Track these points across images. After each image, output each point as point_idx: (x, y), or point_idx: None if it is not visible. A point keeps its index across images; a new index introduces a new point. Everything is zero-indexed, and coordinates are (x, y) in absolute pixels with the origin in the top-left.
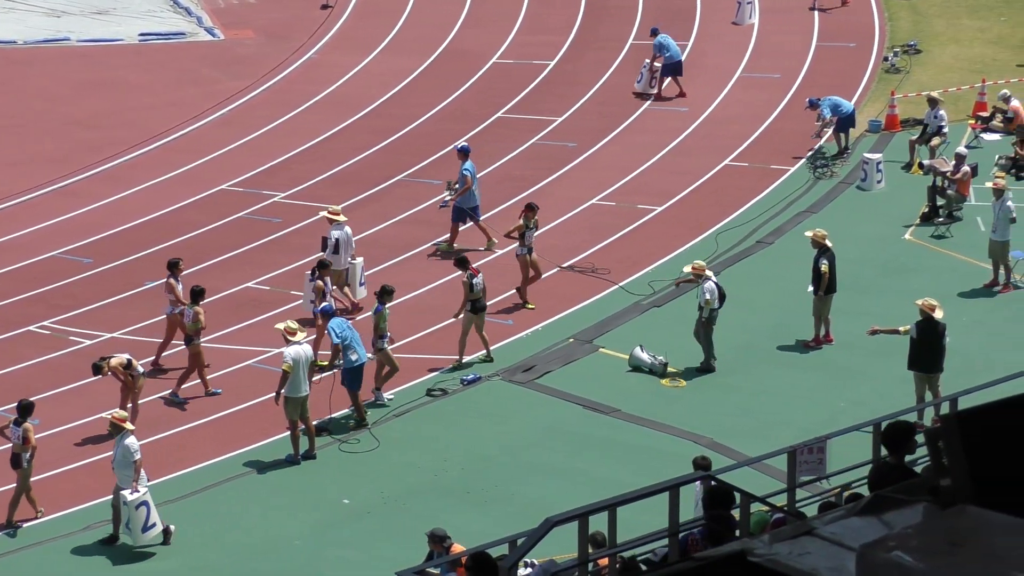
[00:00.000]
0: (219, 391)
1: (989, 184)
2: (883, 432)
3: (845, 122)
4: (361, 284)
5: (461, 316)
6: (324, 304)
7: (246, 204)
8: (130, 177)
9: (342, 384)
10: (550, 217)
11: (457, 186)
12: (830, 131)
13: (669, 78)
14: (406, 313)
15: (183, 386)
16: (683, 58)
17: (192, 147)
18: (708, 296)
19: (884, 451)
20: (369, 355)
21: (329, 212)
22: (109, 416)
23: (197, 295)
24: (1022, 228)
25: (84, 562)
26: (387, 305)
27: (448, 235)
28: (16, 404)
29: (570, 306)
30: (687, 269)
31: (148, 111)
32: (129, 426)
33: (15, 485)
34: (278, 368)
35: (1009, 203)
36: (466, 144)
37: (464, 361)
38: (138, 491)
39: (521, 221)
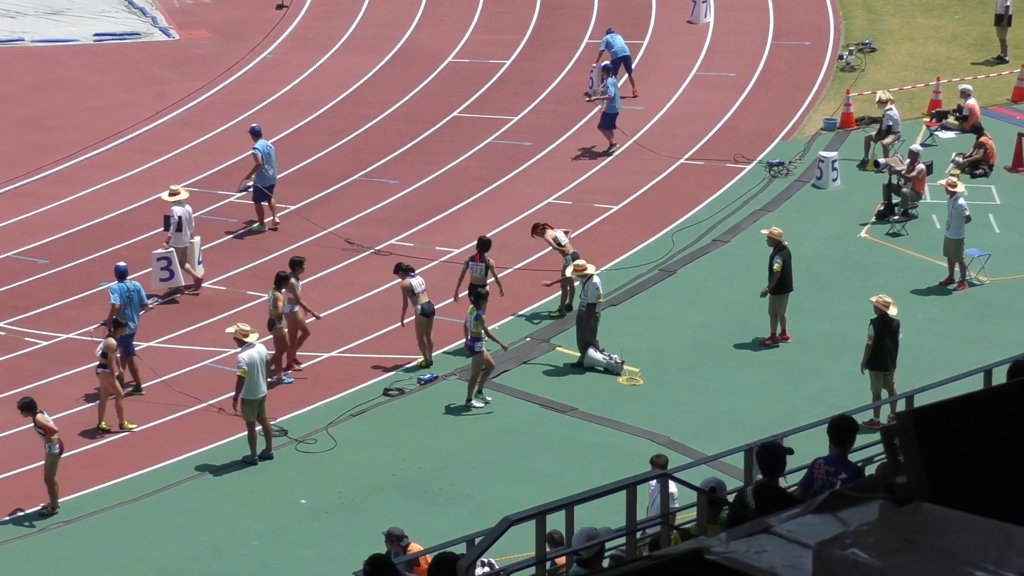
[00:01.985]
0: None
1: (942, 181)
2: (829, 426)
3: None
4: (200, 262)
5: (409, 321)
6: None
7: (202, 204)
8: (85, 178)
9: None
10: (506, 216)
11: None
12: (601, 99)
13: (626, 76)
14: (359, 313)
15: (286, 369)
16: (631, 55)
17: (147, 147)
18: (601, 291)
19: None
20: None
21: (170, 191)
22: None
23: (281, 280)
24: (978, 226)
25: (42, 562)
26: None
27: (257, 219)
28: (17, 404)
29: (526, 305)
30: (570, 272)
31: (102, 111)
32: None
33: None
34: (235, 368)
35: (961, 201)
36: (256, 125)
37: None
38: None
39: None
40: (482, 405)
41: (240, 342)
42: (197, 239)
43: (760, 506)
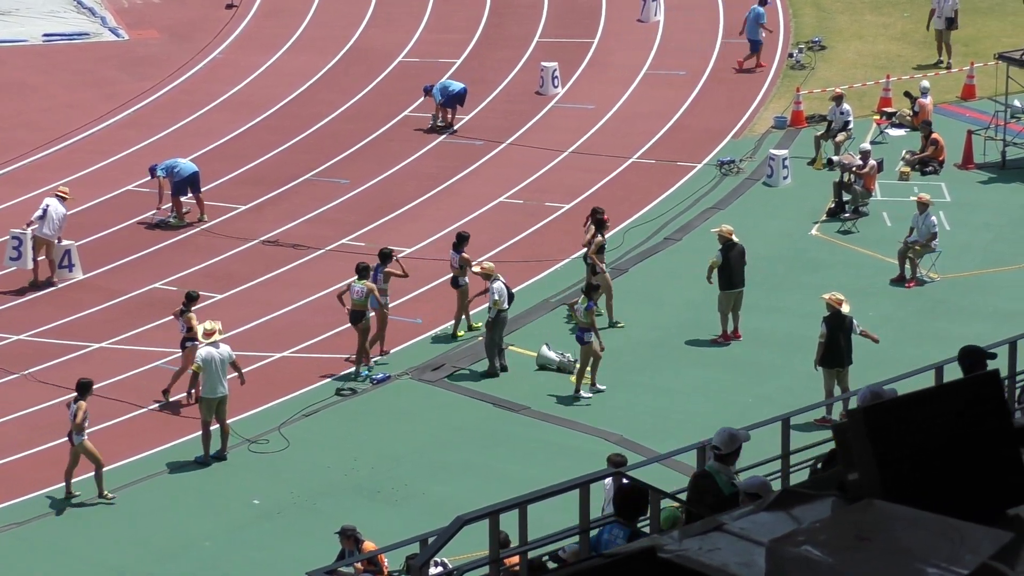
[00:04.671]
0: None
1: (917, 196)
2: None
3: (454, 99)
4: (69, 267)
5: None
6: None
7: (152, 205)
8: (34, 179)
9: None
10: (457, 215)
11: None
12: (450, 115)
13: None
14: (311, 312)
15: (372, 358)
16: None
17: (97, 148)
18: (496, 296)
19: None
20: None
21: (59, 191)
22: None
23: (362, 271)
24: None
25: None
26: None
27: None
28: (76, 383)
29: (478, 304)
30: (476, 269)
31: (50, 112)
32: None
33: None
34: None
35: (932, 218)
36: (153, 164)
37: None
38: None
39: (598, 237)
40: (590, 395)
41: (202, 341)
42: (67, 243)
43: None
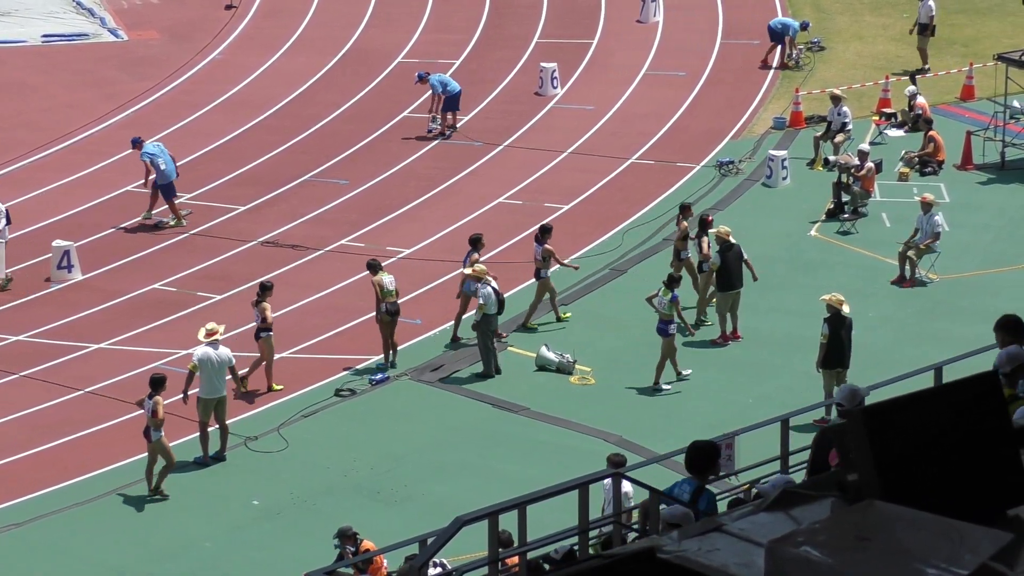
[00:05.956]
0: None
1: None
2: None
3: (451, 101)
4: (63, 267)
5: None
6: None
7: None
8: (34, 179)
9: None
10: (457, 216)
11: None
12: (451, 118)
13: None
14: (311, 313)
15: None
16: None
17: (96, 149)
18: (482, 300)
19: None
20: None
21: None
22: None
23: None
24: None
25: None
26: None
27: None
28: (149, 379)
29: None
30: (468, 271)
31: (50, 112)
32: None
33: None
34: (185, 369)
35: (937, 217)
36: (136, 136)
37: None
38: None
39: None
40: (669, 387)
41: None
42: (67, 244)
43: None
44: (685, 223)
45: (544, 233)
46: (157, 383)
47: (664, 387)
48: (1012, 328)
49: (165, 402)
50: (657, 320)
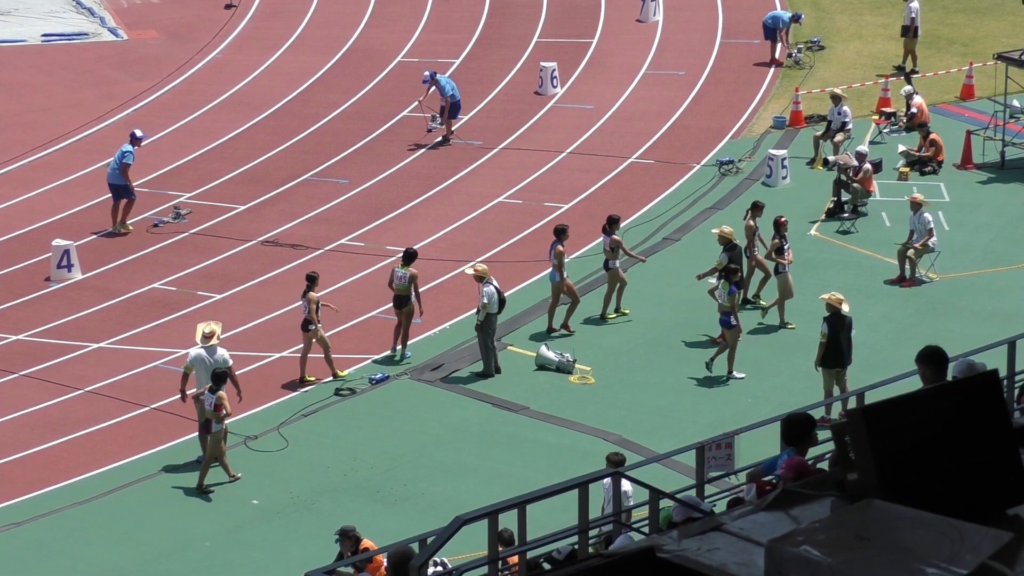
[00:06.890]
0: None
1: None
2: (783, 424)
3: (453, 108)
4: (63, 267)
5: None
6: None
7: (151, 205)
8: (34, 179)
9: None
10: (457, 215)
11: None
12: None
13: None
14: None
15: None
16: (588, 56)
17: (96, 148)
18: (486, 300)
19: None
20: None
21: None
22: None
23: (408, 257)
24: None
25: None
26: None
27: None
28: (211, 372)
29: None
30: (470, 271)
31: (50, 112)
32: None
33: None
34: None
35: (926, 216)
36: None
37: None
38: None
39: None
40: (743, 376)
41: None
42: (66, 243)
43: None
44: (752, 222)
45: (611, 223)
46: (220, 377)
47: (737, 375)
48: (933, 360)
49: (165, 402)
50: (717, 312)
